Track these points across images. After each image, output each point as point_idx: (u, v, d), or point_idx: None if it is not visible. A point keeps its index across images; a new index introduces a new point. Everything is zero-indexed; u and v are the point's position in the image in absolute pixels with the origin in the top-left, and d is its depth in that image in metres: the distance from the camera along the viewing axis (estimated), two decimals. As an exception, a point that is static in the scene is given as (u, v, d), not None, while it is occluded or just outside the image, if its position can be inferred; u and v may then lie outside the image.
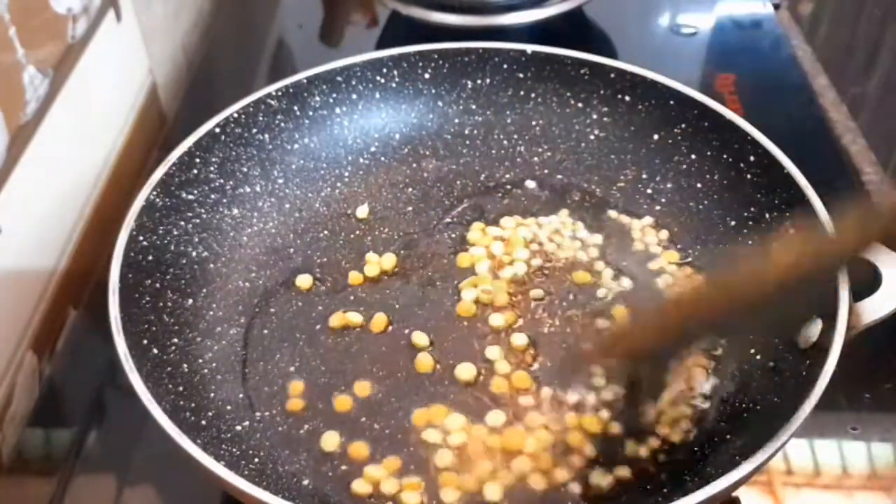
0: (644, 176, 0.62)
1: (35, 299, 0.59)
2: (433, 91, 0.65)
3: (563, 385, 0.50)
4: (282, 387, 0.52)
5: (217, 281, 0.56)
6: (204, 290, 0.55)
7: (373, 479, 0.47)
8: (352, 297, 0.57)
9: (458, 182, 0.64)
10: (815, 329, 0.47)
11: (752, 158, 0.56)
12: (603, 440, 0.48)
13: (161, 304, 0.52)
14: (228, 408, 0.50)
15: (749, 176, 0.56)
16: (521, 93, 0.65)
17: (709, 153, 0.59)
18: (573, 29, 0.83)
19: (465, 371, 0.51)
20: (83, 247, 0.64)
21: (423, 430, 0.49)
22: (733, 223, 0.57)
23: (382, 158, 0.65)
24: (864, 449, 0.52)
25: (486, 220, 0.61)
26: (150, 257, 0.53)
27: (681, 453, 0.47)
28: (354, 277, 0.57)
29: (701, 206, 0.59)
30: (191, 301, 0.54)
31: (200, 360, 0.52)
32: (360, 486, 0.47)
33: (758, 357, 0.51)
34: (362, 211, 0.62)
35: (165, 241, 0.54)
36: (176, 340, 0.51)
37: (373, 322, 0.54)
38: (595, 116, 0.64)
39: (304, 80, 0.62)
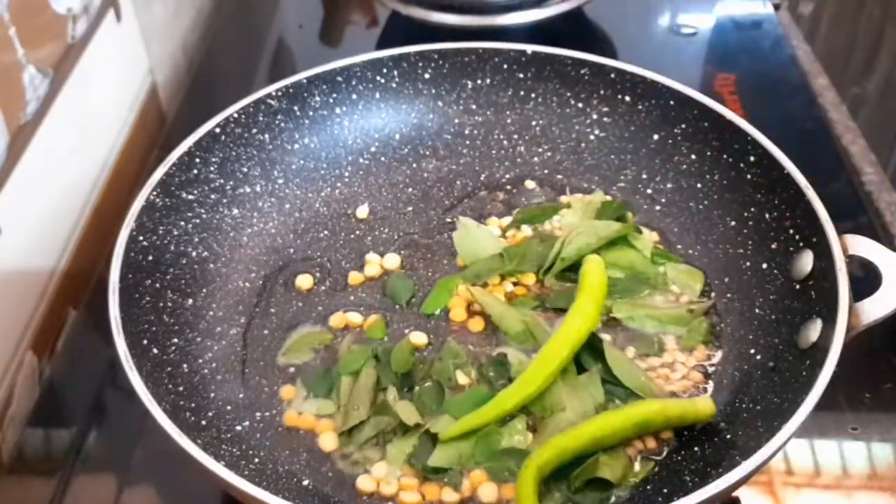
0: (644, 176, 0.62)
1: (35, 299, 0.59)
2: (433, 91, 0.65)
3: None
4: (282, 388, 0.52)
5: (217, 281, 0.57)
6: (204, 290, 0.55)
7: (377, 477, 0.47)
8: (352, 297, 0.57)
9: (458, 182, 0.64)
10: (815, 329, 0.47)
11: (752, 158, 0.56)
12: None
13: (161, 304, 0.52)
14: (228, 408, 0.50)
15: (749, 176, 0.56)
16: (521, 93, 0.65)
17: (709, 153, 0.59)
18: (573, 29, 0.83)
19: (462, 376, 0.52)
20: (83, 247, 0.64)
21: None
22: (733, 223, 0.57)
23: (382, 158, 0.65)
24: (864, 449, 0.52)
25: (486, 220, 0.61)
26: (151, 257, 0.53)
27: (681, 453, 0.47)
28: (354, 277, 0.58)
29: (701, 206, 0.59)
30: (191, 301, 0.54)
31: (200, 360, 0.52)
32: (364, 484, 0.47)
33: (758, 357, 0.51)
34: (362, 211, 0.62)
35: (165, 241, 0.54)
36: (176, 340, 0.51)
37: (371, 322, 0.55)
38: (595, 116, 0.64)
39: (305, 80, 0.62)
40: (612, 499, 0.45)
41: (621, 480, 0.46)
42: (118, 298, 0.48)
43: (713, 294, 0.55)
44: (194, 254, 0.56)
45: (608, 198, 0.61)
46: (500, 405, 0.48)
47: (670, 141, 0.61)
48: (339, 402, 0.50)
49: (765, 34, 0.88)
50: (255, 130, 0.61)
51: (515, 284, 0.57)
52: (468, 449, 0.47)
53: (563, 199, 0.62)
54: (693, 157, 0.60)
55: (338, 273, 0.58)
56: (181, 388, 0.49)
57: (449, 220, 0.61)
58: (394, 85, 0.65)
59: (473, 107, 0.66)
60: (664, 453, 0.47)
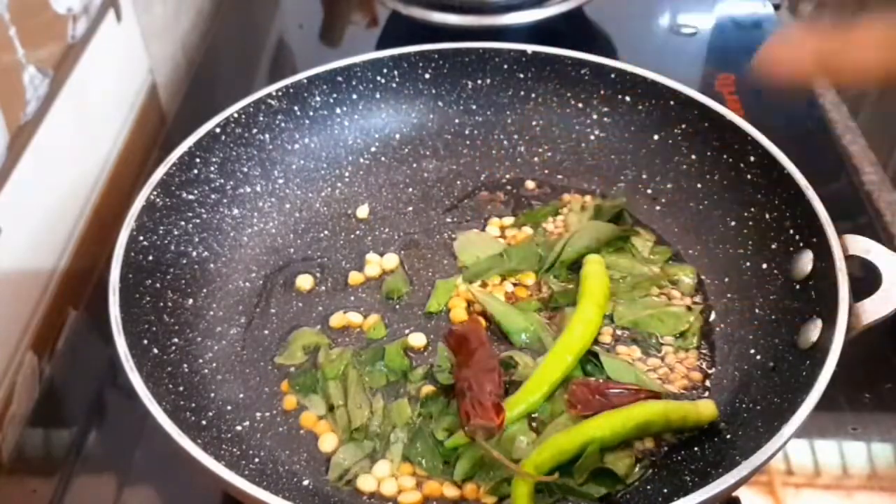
0: (644, 176, 0.62)
1: (35, 299, 0.59)
2: (433, 91, 0.65)
3: None
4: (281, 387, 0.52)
5: (217, 281, 0.57)
6: (204, 290, 0.55)
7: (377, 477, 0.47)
8: (352, 298, 0.57)
9: (459, 182, 0.64)
10: (815, 329, 0.47)
11: (752, 158, 0.56)
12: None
13: (161, 304, 0.52)
14: (228, 408, 0.50)
15: (749, 176, 0.56)
16: (522, 93, 0.65)
17: (709, 153, 0.59)
18: (573, 29, 0.83)
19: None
20: (83, 247, 0.64)
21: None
22: (733, 223, 0.57)
23: (383, 158, 0.65)
24: (864, 449, 0.52)
25: (486, 220, 0.61)
26: (151, 257, 0.53)
27: (681, 453, 0.47)
28: (354, 277, 0.57)
29: (701, 206, 0.59)
30: (191, 301, 0.54)
31: (201, 360, 0.52)
32: (364, 483, 0.47)
33: (758, 357, 0.51)
34: (362, 211, 0.62)
35: (166, 241, 0.54)
36: (176, 340, 0.51)
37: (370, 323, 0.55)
38: (595, 117, 0.64)
39: (305, 80, 0.62)
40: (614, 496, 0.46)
41: (627, 476, 0.46)
42: (118, 298, 0.48)
43: (712, 294, 0.55)
44: (194, 254, 0.56)
45: (600, 201, 0.61)
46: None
47: (670, 141, 0.61)
48: (336, 403, 0.50)
49: (765, 34, 0.88)
50: (255, 130, 0.61)
51: (515, 285, 0.57)
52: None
53: (564, 198, 0.62)
54: (693, 157, 0.60)
55: (338, 273, 0.58)
56: (181, 388, 0.49)
57: (449, 220, 0.61)
58: (394, 85, 0.65)
59: (474, 107, 0.66)
60: (664, 453, 0.48)
